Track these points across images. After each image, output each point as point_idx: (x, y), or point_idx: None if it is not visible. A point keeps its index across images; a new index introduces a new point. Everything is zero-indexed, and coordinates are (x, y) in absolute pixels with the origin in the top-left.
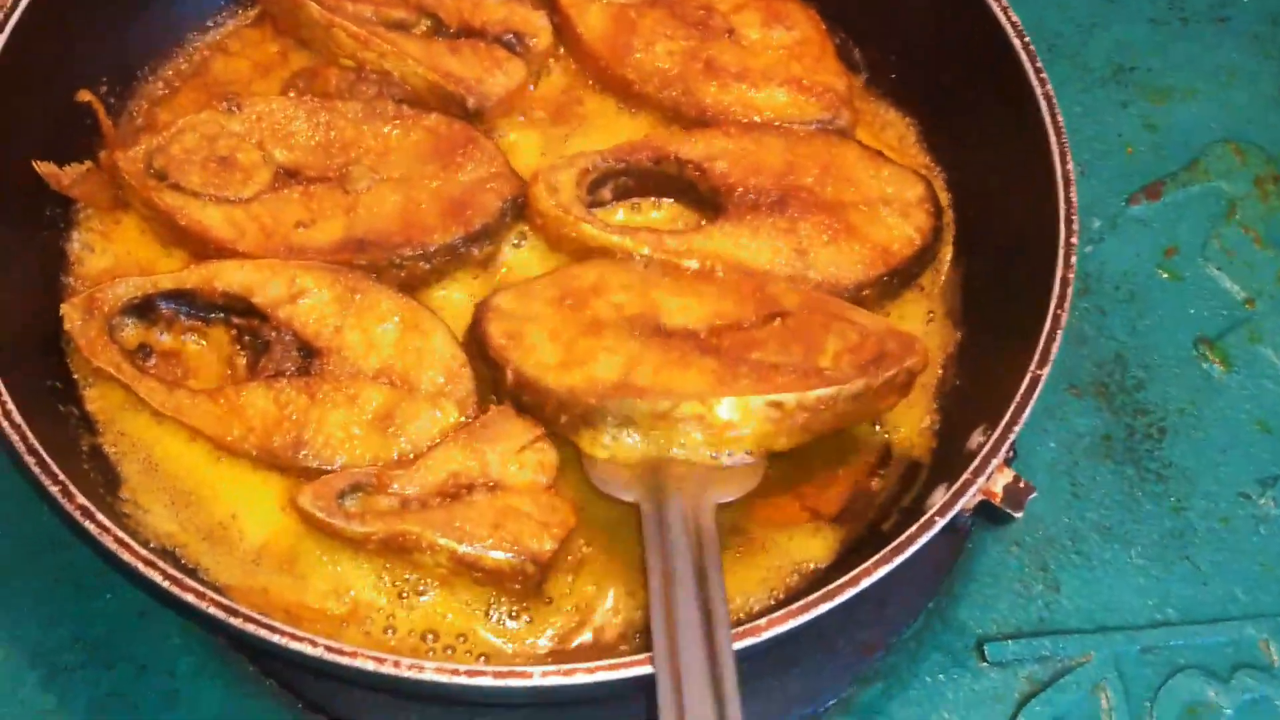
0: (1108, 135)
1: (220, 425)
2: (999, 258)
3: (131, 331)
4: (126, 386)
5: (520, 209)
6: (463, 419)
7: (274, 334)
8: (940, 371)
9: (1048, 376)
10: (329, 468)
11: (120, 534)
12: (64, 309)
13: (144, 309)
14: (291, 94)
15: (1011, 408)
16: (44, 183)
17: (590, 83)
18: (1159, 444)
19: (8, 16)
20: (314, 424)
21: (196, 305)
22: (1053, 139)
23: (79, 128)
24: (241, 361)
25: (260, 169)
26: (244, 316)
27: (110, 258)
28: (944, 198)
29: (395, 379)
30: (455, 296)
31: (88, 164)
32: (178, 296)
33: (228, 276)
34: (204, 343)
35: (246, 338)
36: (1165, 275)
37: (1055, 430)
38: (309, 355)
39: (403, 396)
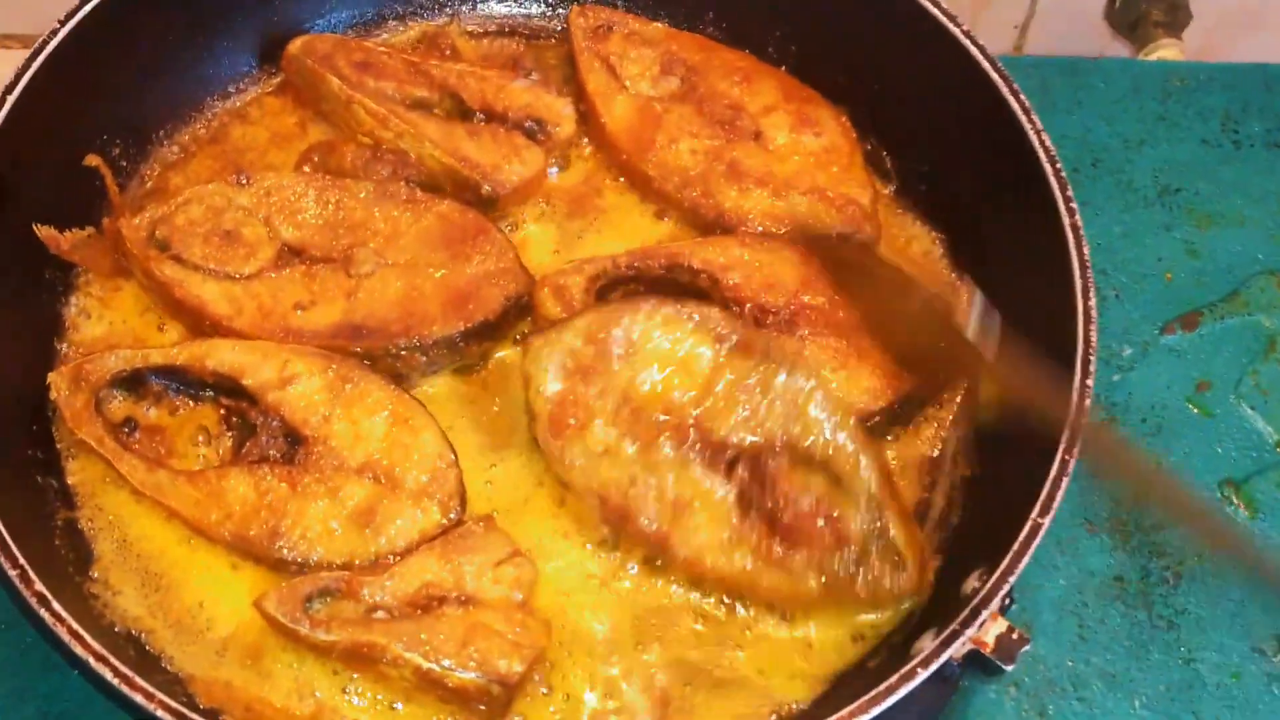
0: (1147, 258)
1: (198, 509)
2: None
3: (119, 404)
4: (107, 461)
5: (525, 308)
6: (445, 520)
7: (261, 418)
8: (944, 504)
9: (1058, 511)
10: (303, 560)
11: (74, 625)
12: (51, 378)
13: (133, 382)
14: (306, 168)
15: (1008, 557)
16: (44, 253)
17: (611, 175)
18: (1174, 589)
19: (24, 69)
20: (292, 515)
21: (186, 382)
22: (1076, 273)
23: (86, 189)
24: (226, 443)
25: (264, 246)
26: (233, 397)
27: (105, 325)
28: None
29: (380, 474)
30: (444, 391)
31: (89, 230)
32: (168, 372)
33: (219, 355)
34: (190, 421)
35: (234, 419)
36: (1195, 410)
37: (1066, 566)
38: (295, 443)
39: (385, 493)
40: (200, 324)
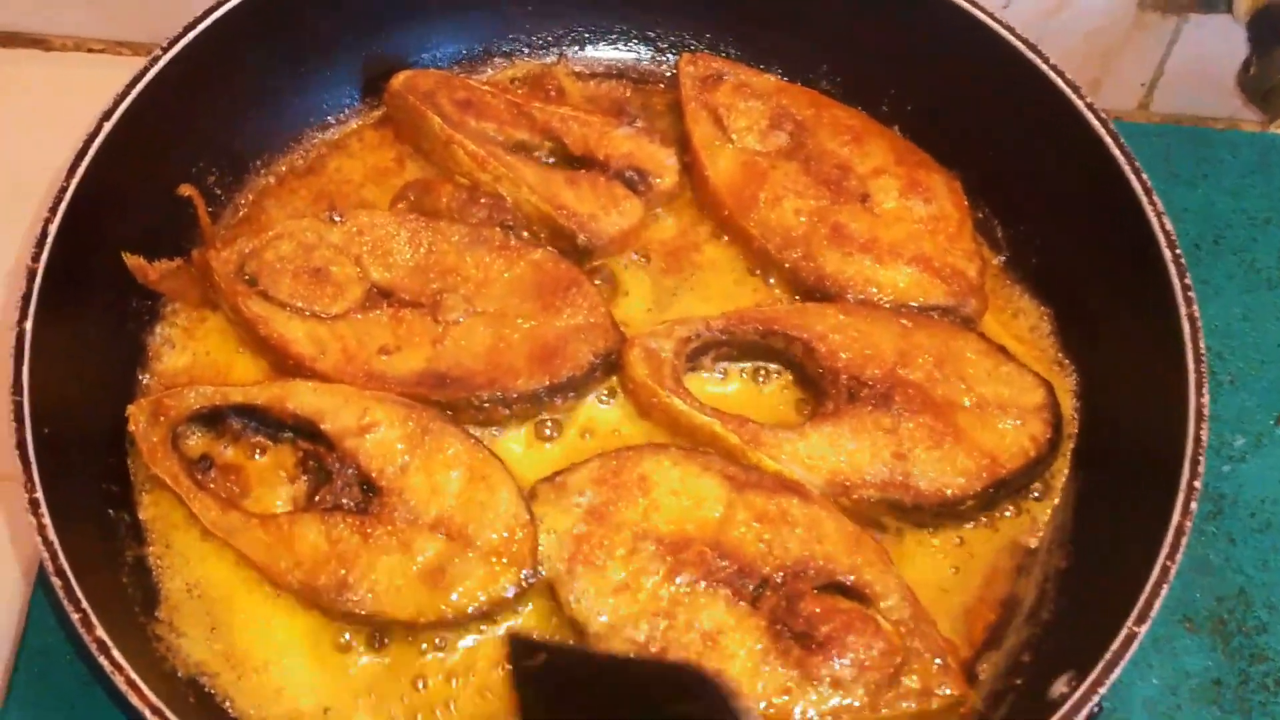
0: (1266, 344)
1: (269, 554)
2: (1118, 482)
3: (196, 441)
4: (180, 499)
5: (612, 365)
6: (518, 582)
7: (337, 465)
8: (1035, 597)
9: (1160, 609)
10: (368, 614)
11: (132, 675)
12: (130, 410)
13: (212, 420)
14: (401, 206)
15: (1099, 667)
16: (132, 278)
17: (711, 230)
18: (1274, 696)
19: (124, 94)
20: (362, 567)
21: (265, 422)
22: (1190, 366)
23: (179, 216)
24: (301, 487)
25: (353, 286)
26: (310, 440)
27: (189, 356)
28: (1069, 404)
29: (453, 531)
30: (519, 448)
31: (178, 261)
32: (248, 411)
33: (300, 398)
34: (266, 462)
35: (310, 463)
36: None
37: (1161, 665)
38: (370, 492)
39: (457, 551)
40: (283, 363)
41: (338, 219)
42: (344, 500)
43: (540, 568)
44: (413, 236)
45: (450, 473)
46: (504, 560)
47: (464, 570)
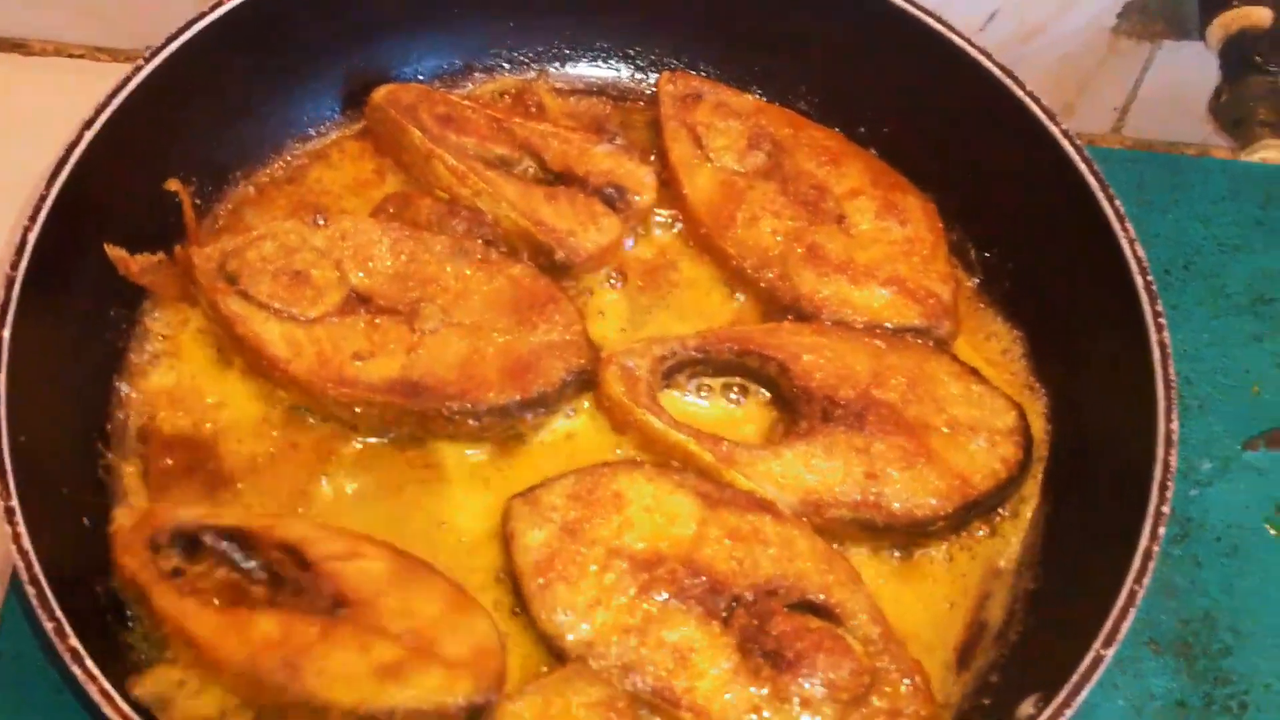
0: (1234, 369)
1: (217, 634)
2: (1088, 505)
3: (171, 558)
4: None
5: (585, 382)
6: (475, 698)
7: (312, 582)
8: (1003, 618)
9: (1128, 630)
10: (308, 698)
11: (105, 685)
12: (116, 515)
13: (192, 543)
14: (383, 217)
15: (1067, 689)
16: (111, 286)
17: (688, 248)
18: (1238, 719)
19: (105, 104)
20: (316, 658)
21: (246, 545)
22: (1160, 392)
23: (160, 223)
24: (262, 591)
25: (332, 290)
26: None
27: (172, 374)
28: (1040, 426)
29: (420, 643)
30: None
31: (160, 255)
32: (233, 534)
33: (291, 529)
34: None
35: (275, 573)
36: (1274, 533)
37: (1127, 686)
38: (339, 605)
39: (418, 657)
40: (257, 363)
41: (322, 222)
42: (311, 604)
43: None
44: (395, 244)
45: (429, 604)
46: (469, 672)
47: (421, 674)
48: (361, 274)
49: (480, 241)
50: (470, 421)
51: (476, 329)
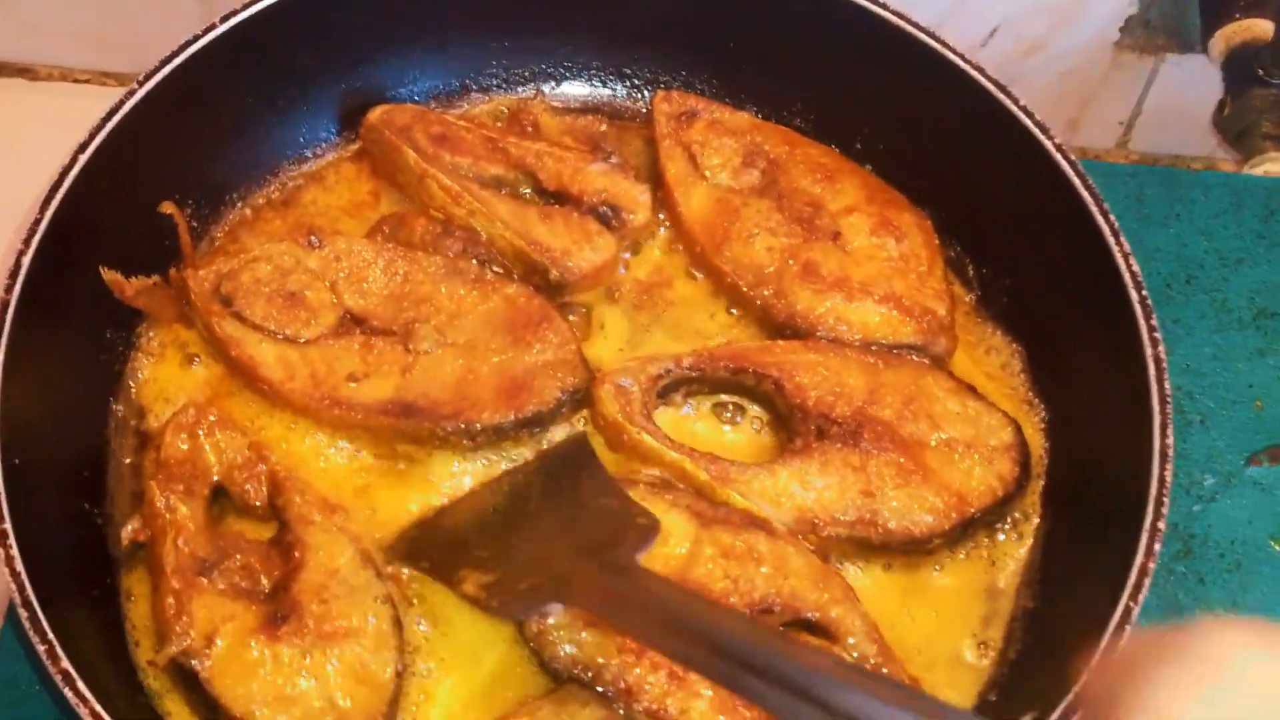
0: (1237, 384)
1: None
2: (1085, 522)
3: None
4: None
5: (580, 401)
6: None
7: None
8: (1001, 636)
9: None
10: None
11: (97, 707)
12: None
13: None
14: (378, 238)
15: (1061, 707)
16: (107, 308)
17: (683, 266)
18: None
19: (100, 125)
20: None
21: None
22: (1155, 408)
23: (155, 246)
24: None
25: (327, 311)
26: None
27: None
28: (1038, 442)
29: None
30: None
31: (155, 278)
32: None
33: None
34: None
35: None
36: (1278, 549)
37: None
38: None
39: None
40: (252, 384)
41: (316, 244)
42: (254, 586)
43: None
44: (389, 265)
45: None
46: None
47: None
48: (356, 295)
49: (475, 261)
50: (464, 440)
51: (471, 349)
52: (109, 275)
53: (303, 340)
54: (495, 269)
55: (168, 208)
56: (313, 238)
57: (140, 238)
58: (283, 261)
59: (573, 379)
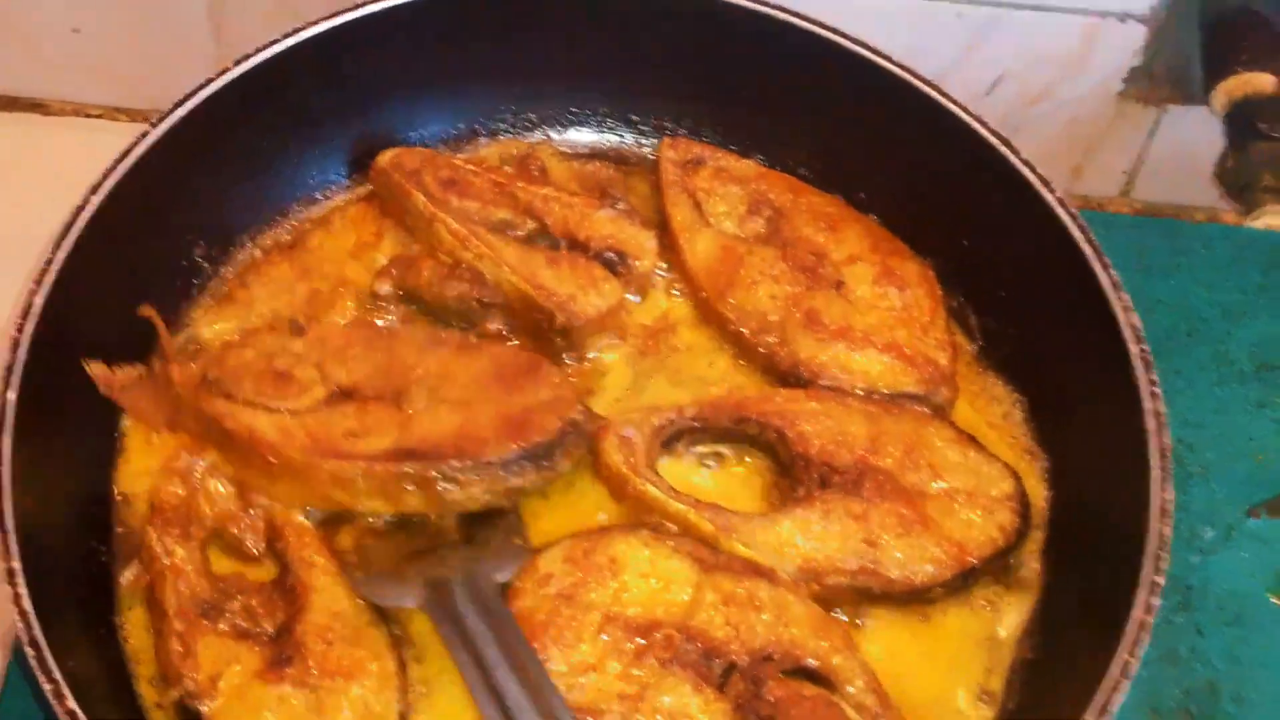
0: (1238, 436)
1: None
2: (1084, 573)
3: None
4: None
5: (582, 434)
6: None
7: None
8: (1001, 687)
9: (1127, 700)
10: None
11: None
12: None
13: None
14: (385, 283)
15: None
16: (119, 346)
17: (688, 313)
18: None
19: (113, 168)
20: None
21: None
22: (1155, 462)
23: (168, 289)
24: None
25: (316, 386)
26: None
27: None
28: (1040, 492)
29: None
30: None
31: (140, 369)
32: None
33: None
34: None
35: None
36: (1276, 602)
37: None
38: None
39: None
40: (250, 458)
41: (299, 330)
42: (258, 628)
43: None
44: (371, 342)
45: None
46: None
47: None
48: (343, 372)
49: (457, 329)
50: (473, 478)
51: (466, 403)
52: (94, 369)
53: (295, 410)
54: (494, 313)
55: (145, 311)
56: (296, 324)
57: (152, 275)
58: (267, 347)
59: (570, 413)
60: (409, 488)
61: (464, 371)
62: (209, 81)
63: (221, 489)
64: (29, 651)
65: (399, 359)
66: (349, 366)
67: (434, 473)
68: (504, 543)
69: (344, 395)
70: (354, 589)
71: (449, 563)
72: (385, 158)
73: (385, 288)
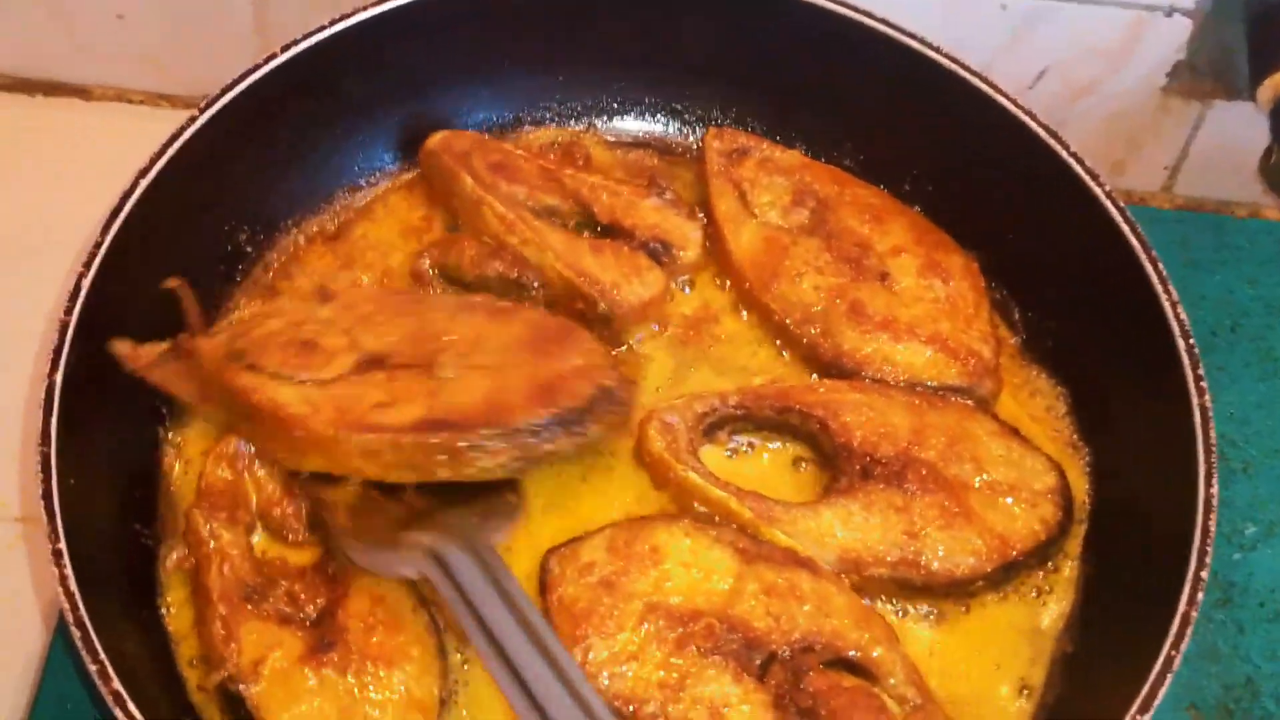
0: None
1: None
2: (1127, 568)
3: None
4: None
5: (614, 400)
6: None
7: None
8: (1042, 680)
9: (1166, 695)
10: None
11: None
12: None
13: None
14: (426, 261)
15: None
16: (164, 331)
17: (731, 303)
18: None
19: (160, 154)
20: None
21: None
22: (1201, 457)
23: (211, 272)
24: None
25: (343, 354)
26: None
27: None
28: (1082, 486)
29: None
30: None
31: (166, 344)
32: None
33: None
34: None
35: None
36: None
37: None
38: (330, 634)
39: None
40: (276, 432)
41: (326, 297)
42: (300, 613)
43: None
44: (401, 306)
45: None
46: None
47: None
48: (372, 338)
49: (489, 297)
50: (501, 445)
51: (498, 369)
52: (120, 347)
53: (322, 381)
54: (533, 293)
55: (173, 283)
56: (324, 289)
57: (196, 261)
58: (294, 316)
59: (604, 379)
60: (440, 457)
61: (495, 337)
62: (256, 68)
63: (267, 474)
64: (75, 632)
65: (429, 325)
66: (378, 332)
67: (463, 443)
68: (497, 500)
69: (373, 363)
70: (354, 560)
71: (446, 527)
72: (435, 140)
73: (424, 264)
